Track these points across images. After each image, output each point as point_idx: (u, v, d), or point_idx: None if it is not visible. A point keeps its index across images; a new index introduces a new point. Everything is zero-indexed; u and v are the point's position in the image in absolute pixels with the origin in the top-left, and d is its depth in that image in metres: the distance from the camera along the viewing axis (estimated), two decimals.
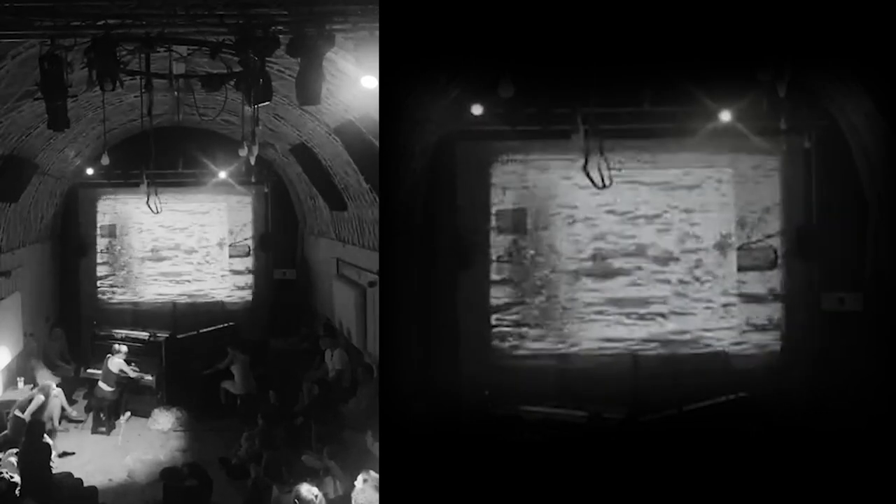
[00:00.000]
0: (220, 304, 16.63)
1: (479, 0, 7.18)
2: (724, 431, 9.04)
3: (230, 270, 17.23)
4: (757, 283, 10.85)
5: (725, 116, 9.44)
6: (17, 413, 11.06)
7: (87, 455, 11.48)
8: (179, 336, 14.16)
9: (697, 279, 10.87)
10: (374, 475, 8.24)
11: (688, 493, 8.30)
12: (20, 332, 13.39)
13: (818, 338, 10.47)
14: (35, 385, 12.73)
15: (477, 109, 9.52)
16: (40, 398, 11.32)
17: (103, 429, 12.45)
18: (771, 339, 10.76)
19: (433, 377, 10.41)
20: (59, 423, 11.89)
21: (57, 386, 12.69)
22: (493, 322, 10.94)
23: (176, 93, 10.23)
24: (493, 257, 11.00)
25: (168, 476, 9.46)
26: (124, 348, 12.99)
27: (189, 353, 13.83)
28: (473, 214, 10.96)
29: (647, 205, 10.84)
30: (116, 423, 12.67)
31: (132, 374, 12.96)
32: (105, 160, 9.89)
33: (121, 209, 16.73)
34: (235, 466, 10.60)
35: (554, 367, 10.75)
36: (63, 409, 12.17)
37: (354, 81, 7.86)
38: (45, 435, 10.23)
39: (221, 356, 13.40)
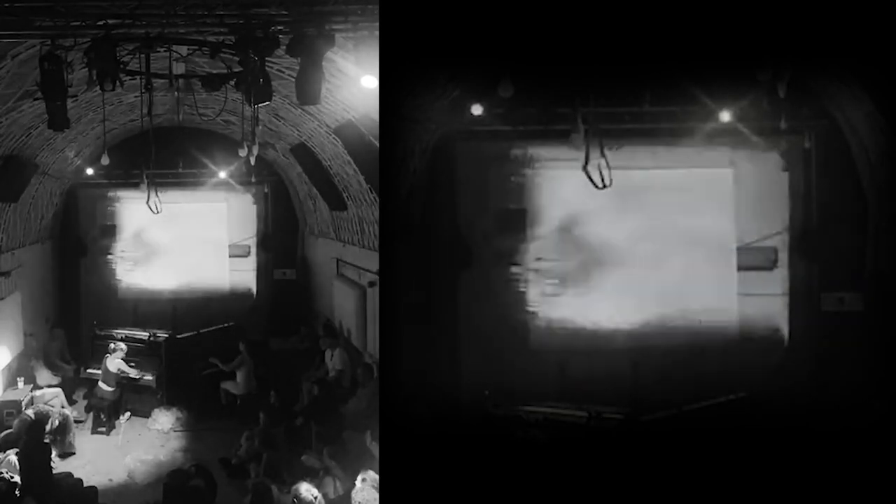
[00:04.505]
0: (220, 303, 16.60)
1: (479, 0, 7.18)
2: (724, 431, 9.03)
3: (230, 270, 17.22)
4: (757, 282, 10.84)
5: (725, 116, 9.44)
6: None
7: (87, 455, 11.49)
8: (179, 336, 14.15)
9: (697, 279, 10.87)
10: (373, 475, 8.25)
11: (688, 493, 8.29)
12: (20, 332, 13.39)
13: (818, 338, 10.47)
14: (35, 385, 12.76)
15: (477, 109, 9.52)
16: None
17: (103, 429, 12.46)
18: (771, 339, 10.75)
19: (433, 377, 10.40)
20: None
21: (57, 386, 12.77)
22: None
23: (176, 93, 10.26)
24: (493, 257, 10.99)
25: (174, 477, 9.44)
26: (123, 346, 12.99)
27: (189, 353, 13.83)
28: (473, 214, 10.95)
29: (647, 205, 10.83)
30: (116, 423, 12.68)
31: (132, 374, 12.96)
32: (105, 160, 9.89)
33: (120, 209, 16.73)
34: (235, 466, 10.60)
35: (554, 366, 10.74)
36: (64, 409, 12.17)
37: (354, 81, 7.85)
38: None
39: (226, 354, 13.37)
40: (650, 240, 10.84)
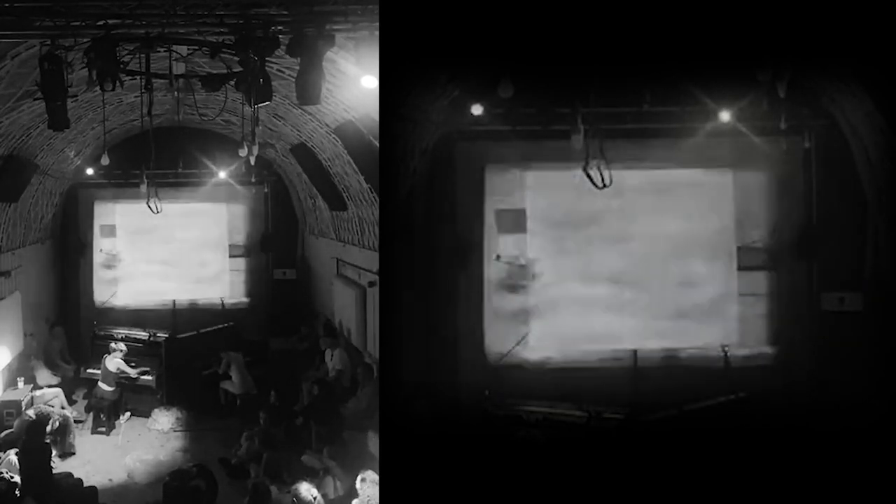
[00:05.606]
0: (220, 303, 16.60)
1: (479, 0, 7.18)
2: (724, 431, 9.04)
3: (230, 270, 17.21)
4: (757, 282, 10.83)
5: (725, 116, 9.44)
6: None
7: (87, 455, 11.49)
8: (179, 336, 14.17)
9: (697, 279, 10.86)
10: (373, 475, 8.25)
11: (687, 494, 8.29)
12: (20, 332, 13.39)
13: (818, 338, 10.47)
14: (35, 385, 12.76)
15: (477, 109, 9.51)
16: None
17: (103, 429, 12.46)
18: (770, 340, 10.75)
19: (433, 377, 10.41)
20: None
21: (57, 386, 12.77)
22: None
23: (176, 93, 10.25)
24: (493, 257, 10.99)
25: (175, 477, 9.46)
26: (122, 346, 12.99)
27: (189, 353, 13.84)
28: (473, 214, 10.95)
29: (647, 205, 10.82)
30: (116, 423, 12.68)
31: (132, 373, 12.96)
32: (105, 160, 9.89)
33: (120, 209, 16.70)
34: (235, 466, 10.61)
35: (554, 367, 10.74)
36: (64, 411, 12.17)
37: (354, 81, 7.86)
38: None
39: (219, 360, 13.41)
40: (650, 240, 10.84)
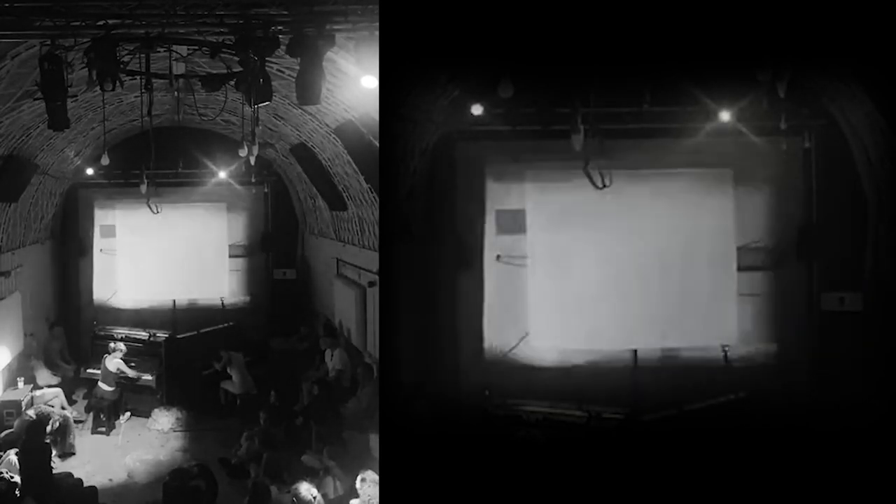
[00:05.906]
0: (220, 303, 16.60)
1: (479, 0, 7.18)
2: (724, 431, 9.04)
3: (230, 270, 17.20)
4: (757, 282, 10.83)
5: (725, 116, 9.44)
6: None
7: (87, 455, 11.49)
8: (179, 336, 14.18)
9: (697, 279, 10.86)
10: (373, 475, 8.25)
11: (687, 494, 8.30)
12: (20, 332, 13.40)
13: (818, 338, 10.47)
14: (35, 385, 12.76)
15: (477, 109, 9.51)
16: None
17: (103, 429, 12.47)
18: (770, 339, 10.75)
19: (433, 377, 10.41)
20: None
21: (57, 386, 12.77)
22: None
23: (176, 93, 10.27)
24: (493, 257, 11.00)
25: (175, 476, 9.46)
26: (122, 347, 12.99)
27: (189, 353, 13.84)
28: (473, 214, 10.95)
29: (646, 205, 10.82)
30: (116, 423, 12.69)
31: (131, 374, 12.97)
32: (105, 160, 9.89)
33: (120, 209, 16.69)
34: (235, 466, 10.61)
35: (554, 366, 10.74)
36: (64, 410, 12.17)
37: (354, 81, 7.86)
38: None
39: (219, 357, 13.41)
40: (650, 240, 10.84)
